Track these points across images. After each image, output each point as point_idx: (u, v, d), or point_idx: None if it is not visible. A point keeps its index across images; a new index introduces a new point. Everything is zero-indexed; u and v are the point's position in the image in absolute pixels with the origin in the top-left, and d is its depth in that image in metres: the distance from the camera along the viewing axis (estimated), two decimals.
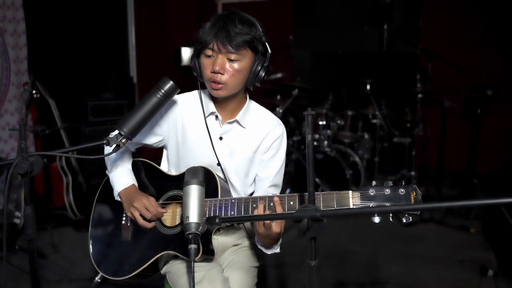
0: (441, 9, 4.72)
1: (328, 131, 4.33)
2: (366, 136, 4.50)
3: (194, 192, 1.23)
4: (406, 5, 4.98)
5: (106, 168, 1.62)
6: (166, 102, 1.40)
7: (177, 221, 1.54)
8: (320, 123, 4.34)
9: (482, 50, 4.43)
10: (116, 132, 1.57)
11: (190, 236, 1.17)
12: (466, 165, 4.55)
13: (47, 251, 3.08)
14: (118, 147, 1.37)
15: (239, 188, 1.58)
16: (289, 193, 1.82)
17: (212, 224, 1.19)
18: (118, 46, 4.68)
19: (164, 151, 1.68)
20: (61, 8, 3.98)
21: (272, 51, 1.48)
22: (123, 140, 1.37)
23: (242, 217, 1.30)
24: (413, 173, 4.40)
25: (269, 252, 1.44)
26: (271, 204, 1.34)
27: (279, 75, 4.67)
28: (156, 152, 1.74)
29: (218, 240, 1.58)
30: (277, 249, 1.44)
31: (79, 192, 3.44)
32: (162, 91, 1.39)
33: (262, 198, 1.36)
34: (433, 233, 3.69)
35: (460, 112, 4.60)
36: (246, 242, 1.65)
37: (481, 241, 3.52)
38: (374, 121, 4.34)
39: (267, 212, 1.33)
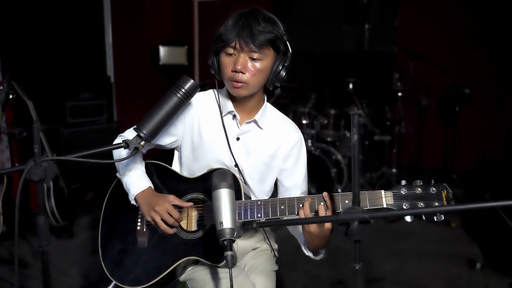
0: (417, 8, 4.82)
1: (312, 130, 4.35)
2: (348, 134, 4.54)
3: (225, 196, 1.18)
4: (383, 5, 5.07)
5: (116, 171, 1.53)
6: (187, 101, 1.33)
7: (194, 225, 1.48)
8: (304, 122, 4.35)
9: (458, 49, 4.56)
10: (132, 134, 1.49)
11: (225, 242, 1.12)
12: (445, 161, 4.68)
13: (29, 259, 2.92)
14: (136, 150, 1.29)
15: (256, 192, 1.53)
16: None
17: (249, 229, 1.14)
18: (95, 45, 4.51)
19: (176, 153, 1.62)
20: (35, 5, 3.78)
21: None
22: (142, 143, 1.30)
23: (282, 221, 1.25)
24: (394, 170, 4.50)
25: (317, 257, 1.40)
26: (300, 205, 1.30)
27: None
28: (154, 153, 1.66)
29: (238, 244, 1.53)
30: (323, 253, 1.40)
31: (61, 197, 3.28)
32: (183, 90, 1.32)
33: (290, 198, 1.33)
34: (417, 228, 3.75)
35: (436, 110, 4.72)
36: (264, 245, 1.61)
37: (463, 235, 3.61)
38: None
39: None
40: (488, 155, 4.38)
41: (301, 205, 1.30)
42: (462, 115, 4.34)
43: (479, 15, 4.42)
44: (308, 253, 1.41)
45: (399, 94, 4.33)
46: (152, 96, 5.20)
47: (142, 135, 1.29)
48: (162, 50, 5.02)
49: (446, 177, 4.35)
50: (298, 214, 1.29)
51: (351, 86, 4.34)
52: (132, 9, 4.90)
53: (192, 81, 1.33)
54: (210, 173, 1.46)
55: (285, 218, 1.36)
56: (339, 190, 4.28)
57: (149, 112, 1.33)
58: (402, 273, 2.91)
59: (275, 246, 1.65)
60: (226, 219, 1.14)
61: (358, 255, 1.09)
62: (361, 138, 4.47)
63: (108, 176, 4.06)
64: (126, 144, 1.28)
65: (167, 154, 1.74)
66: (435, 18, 4.68)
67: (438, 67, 4.27)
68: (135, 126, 1.31)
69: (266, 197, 1.56)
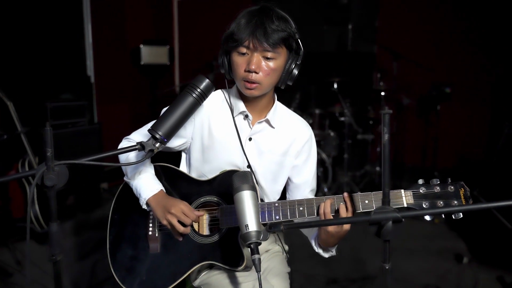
0: (397, 9, 4.89)
1: None
2: (332, 134, 4.57)
3: (248, 198, 1.15)
4: (363, 5, 5.13)
5: (124, 175, 1.47)
6: (203, 101, 1.29)
7: (206, 229, 1.45)
8: None
9: (438, 49, 4.65)
10: (139, 136, 1.45)
11: (252, 245, 1.09)
12: (426, 159, 4.78)
13: (14, 267, 2.80)
14: (152, 152, 1.24)
15: (268, 192, 1.51)
16: None
17: (275, 231, 1.12)
18: (75, 45, 4.37)
19: (184, 155, 1.57)
20: (14, 5, 3.63)
21: None
22: (157, 145, 1.25)
23: (310, 223, 1.23)
24: (377, 168, 4.57)
25: (327, 255, 1.39)
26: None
27: None
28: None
29: None
30: (333, 251, 1.39)
31: (45, 202, 3.15)
32: (199, 90, 1.28)
33: (309, 199, 1.31)
34: (401, 225, 3.81)
35: (417, 109, 4.82)
36: (276, 247, 1.59)
37: (447, 231, 3.71)
38: (342, 119, 4.43)
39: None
40: (468, 153, 4.50)
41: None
42: (443, 114, 4.44)
43: (460, 15, 4.51)
44: (318, 250, 1.41)
45: (382, 93, 4.40)
46: (134, 96, 5.09)
47: (157, 136, 1.24)
48: (144, 50, 4.91)
49: (428, 175, 4.43)
50: (317, 213, 1.29)
51: (335, 85, 4.37)
52: (112, 9, 4.78)
53: (207, 80, 1.29)
54: (223, 175, 1.43)
55: (300, 219, 1.35)
56: (325, 189, 4.32)
57: (163, 113, 1.29)
58: (394, 270, 2.94)
59: (286, 247, 1.64)
60: (251, 221, 1.11)
61: (388, 255, 1.08)
62: (346, 136, 4.51)
63: (91, 179, 3.94)
64: (141, 146, 1.23)
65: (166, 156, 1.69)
66: (414, 18, 4.76)
67: (420, 67, 4.36)
68: (149, 128, 1.26)
69: (278, 196, 1.54)
